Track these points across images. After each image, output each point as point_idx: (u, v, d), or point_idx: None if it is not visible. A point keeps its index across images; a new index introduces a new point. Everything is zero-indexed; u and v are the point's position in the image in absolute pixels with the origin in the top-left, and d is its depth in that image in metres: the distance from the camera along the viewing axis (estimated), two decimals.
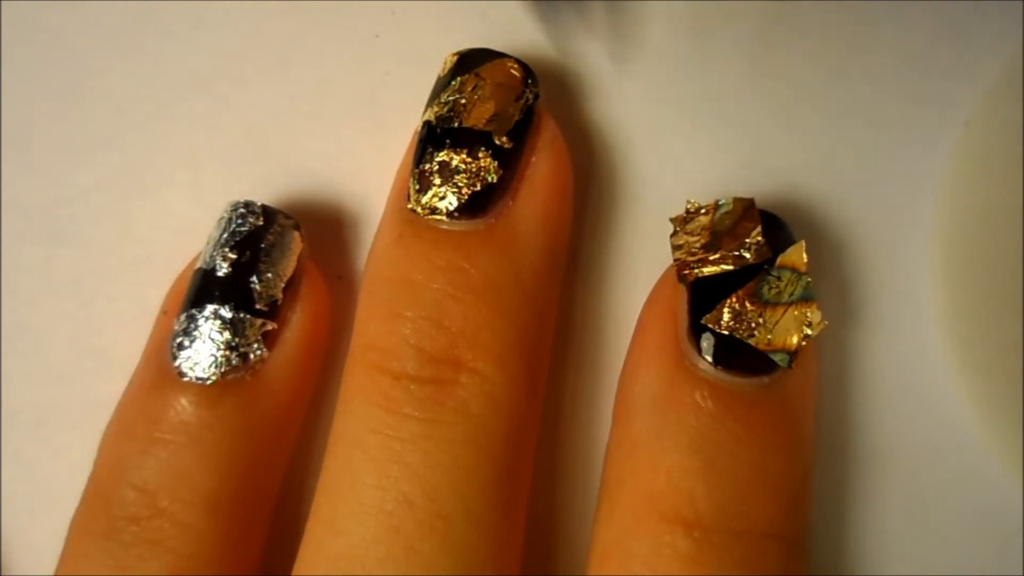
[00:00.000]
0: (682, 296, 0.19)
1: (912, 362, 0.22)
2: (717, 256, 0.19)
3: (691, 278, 0.19)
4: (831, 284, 0.22)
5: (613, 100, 0.23)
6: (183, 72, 0.23)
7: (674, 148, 0.22)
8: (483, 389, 0.19)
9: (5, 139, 0.23)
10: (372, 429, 0.19)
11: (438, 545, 0.18)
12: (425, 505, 0.18)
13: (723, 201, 0.20)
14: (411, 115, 0.22)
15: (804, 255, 0.19)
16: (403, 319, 0.19)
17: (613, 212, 0.22)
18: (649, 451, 0.19)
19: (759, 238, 0.19)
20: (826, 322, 0.19)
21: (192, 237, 0.22)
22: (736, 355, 0.19)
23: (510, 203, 0.20)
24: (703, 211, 0.20)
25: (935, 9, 0.22)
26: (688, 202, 0.20)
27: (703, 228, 0.20)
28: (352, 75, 0.23)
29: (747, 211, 0.20)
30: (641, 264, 0.22)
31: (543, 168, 0.20)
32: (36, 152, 0.23)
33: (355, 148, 0.23)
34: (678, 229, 0.20)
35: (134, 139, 0.23)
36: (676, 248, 0.20)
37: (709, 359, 0.19)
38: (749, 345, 0.19)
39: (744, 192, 0.22)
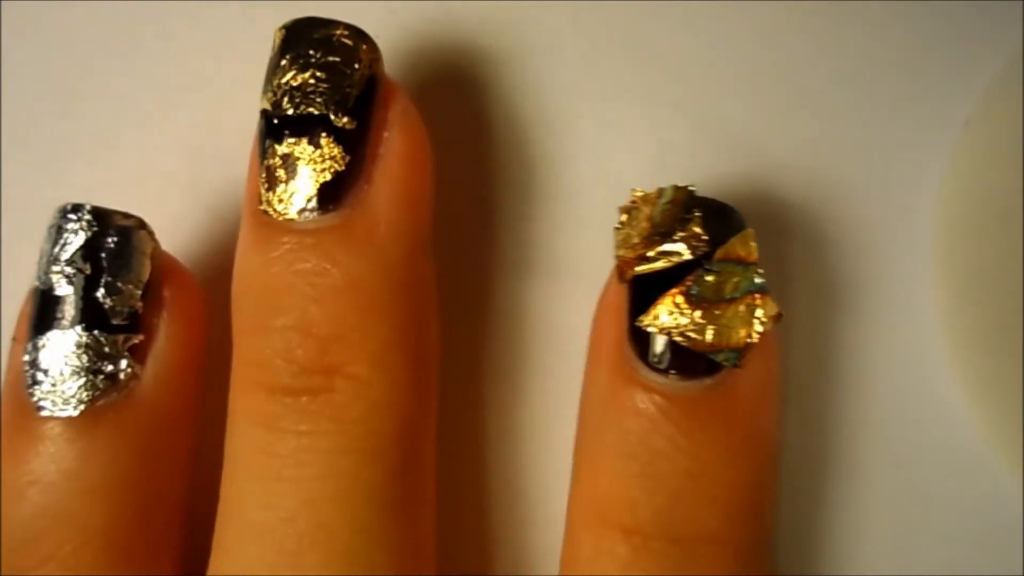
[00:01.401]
0: (624, 294, 0.19)
1: (912, 361, 0.22)
2: (654, 252, 0.18)
3: (629, 276, 0.18)
4: (830, 284, 0.22)
5: (614, 101, 0.23)
6: (183, 72, 0.23)
7: (674, 148, 0.22)
8: (360, 393, 0.18)
9: (5, 139, 0.23)
10: (253, 448, 0.18)
11: (323, 557, 0.17)
12: (307, 518, 0.17)
13: (666, 189, 0.19)
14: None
15: (752, 244, 0.18)
16: (271, 331, 0.18)
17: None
18: (592, 455, 0.19)
19: (696, 229, 0.18)
20: (781, 313, 0.18)
21: (192, 237, 0.22)
22: (675, 357, 0.18)
23: (366, 188, 0.18)
24: (646, 200, 0.19)
25: (935, 9, 0.22)
26: (632, 191, 0.19)
27: (644, 219, 0.18)
28: None
29: (687, 200, 0.18)
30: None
31: (397, 144, 0.18)
32: (36, 152, 0.23)
33: None
34: (623, 221, 0.19)
35: (134, 139, 0.23)
36: (618, 243, 0.19)
37: (647, 362, 0.18)
38: (687, 347, 0.18)
39: (744, 191, 0.22)
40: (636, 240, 0.18)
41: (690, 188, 0.18)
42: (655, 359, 0.18)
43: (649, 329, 0.18)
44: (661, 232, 0.18)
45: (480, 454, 0.22)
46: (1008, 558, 0.21)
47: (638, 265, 0.18)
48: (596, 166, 0.23)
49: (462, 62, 0.23)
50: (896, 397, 0.22)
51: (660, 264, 0.18)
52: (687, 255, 0.18)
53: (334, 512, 0.18)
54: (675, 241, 0.18)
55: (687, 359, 0.18)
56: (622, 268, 0.19)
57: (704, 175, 0.22)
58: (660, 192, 0.19)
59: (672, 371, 0.18)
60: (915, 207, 0.22)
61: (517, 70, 0.23)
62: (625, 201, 0.19)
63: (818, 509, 0.22)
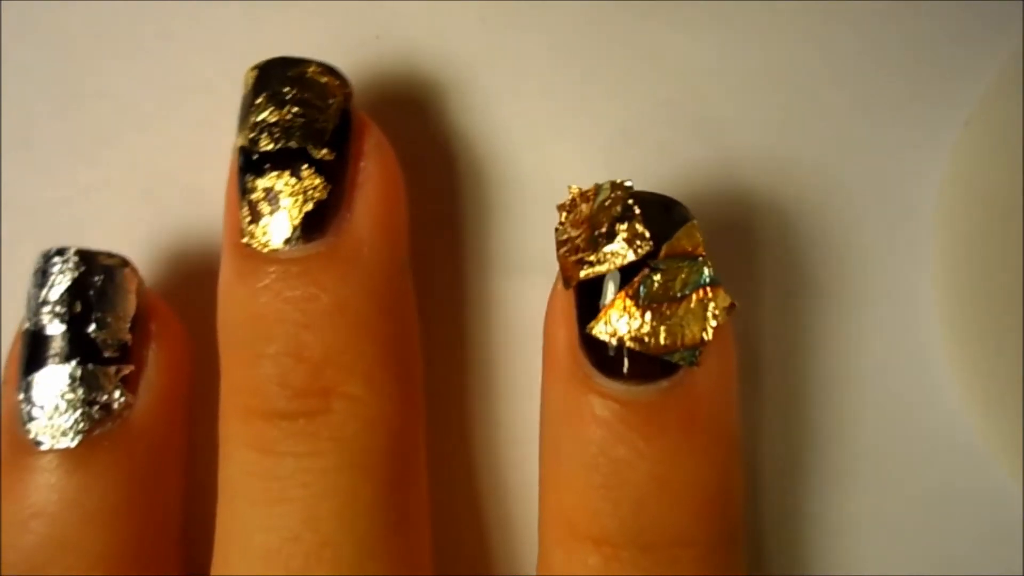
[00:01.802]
0: (572, 300, 0.18)
1: (912, 362, 0.22)
2: (597, 256, 0.17)
3: (574, 281, 0.18)
4: (831, 284, 0.22)
5: (608, 101, 0.23)
6: (183, 72, 0.23)
7: (671, 148, 0.22)
8: (354, 411, 0.18)
9: (6, 138, 0.23)
10: (251, 473, 0.18)
11: (330, 573, 0.18)
12: (311, 537, 0.18)
13: (603, 185, 0.18)
14: (411, 116, 0.22)
15: (697, 235, 0.17)
16: (263, 358, 0.18)
17: None
18: (555, 467, 0.18)
19: (638, 227, 0.17)
20: (734, 303, 0.17)
21: (193, 238, 0.22)
22: (630, 362, 0.18)
23: (347, 216, 0.19)
24: (584, 198, 0.18)
25: (935, 9, 0.22)
26: (570, 188, 0.18)
27: (584, 219, 0.18)
28: (352, 76, 0.23)
29: (626, 198, 0.18)
30: None
31: (374, 173, 0.19)
32: (37, 151, 0.23)
33: None
34: (563, 222, 0.18)
35: (135, 139, 0.23)
36: (559, 245, 0.18)
37: (602, 369, 0.18)
38: (641, 351, 0.17)
39: (743, 191, 0.22)
40: (579, 243, 0.18)
41: (627, 184, 0.18)
42: (609, 366, 0.18)
43: (600, 336, 0.17)
44: (602, 233, 0.18)
45: (464, 457, 0.22)
46: (1008, 558, 0.21)
47: (582, 270, 0.18)
48: (588, 166, 0.23)
49: (458, 61, 0.23)
50: (896, 397, 0.22)
51: (604, 268, 0.18)
52: (630, 256, 0.17)
53: (337, 528, 0.18)
54: (617, 242, 0.18)
55: (642, 363, 0.18)
56: (567, 273, 0.18)
57: (701, 175, 0.22)
58: (597, 189, 0.18)
59: (628, 377, 0.18)
60: (915, 207, 0.22)
61: (513, 69, 0.23)
62: (564, 199, 0.18)
63: (818, 510, 0.22)
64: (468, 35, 0.23)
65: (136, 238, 0.23)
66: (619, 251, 0.17)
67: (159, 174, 0.23)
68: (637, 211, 0.17)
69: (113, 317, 0.19)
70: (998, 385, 0.21)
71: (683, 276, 0.17)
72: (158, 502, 0.20)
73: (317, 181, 0.18)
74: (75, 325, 0.19)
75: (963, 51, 0.22)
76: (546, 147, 0.23)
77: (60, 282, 0.19)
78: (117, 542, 0.19)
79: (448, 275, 0.23)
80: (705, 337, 0.17)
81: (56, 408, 0.18)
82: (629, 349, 0.17)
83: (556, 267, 0.19)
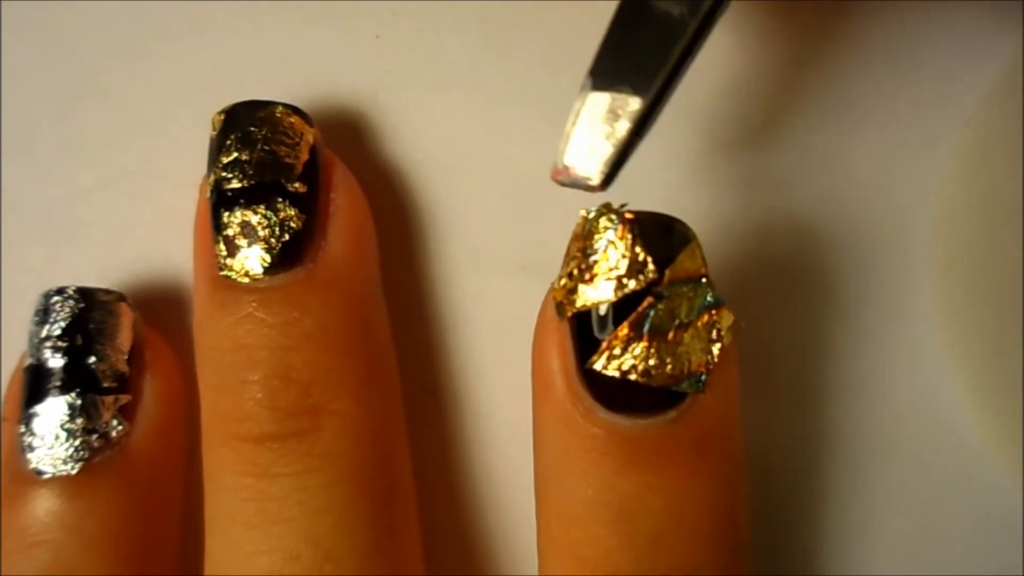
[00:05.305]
0: (566, 330, 0.17)
1: (912, 362, 0.22)
2: (592, 286, 0.16)
3: (569, 312, 0.17)
4: (831, 285, 0.22)
5: None
6: (184, 72, 0.23)
7: (669, 148, 0.22)
8: (345, 427, 0.19)
9: (7, 139, 0.23)
10: (245, 498, 0.19)
11: None
12: (312, 553, 0.18)
13: (591, 213, 0.17)
14: (411, 116, 0.22)
15: (699, 255, 0.17)
16: (250, 384, 0.19)
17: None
18: (559, 503, 0.18)
19: (639, 254, 0.16)
20: (739, 321, 0.17)
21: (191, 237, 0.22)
22: (632, 396, 0.17)
23: (322, 243, 0.19)
24: (579, 227, 0.17)
25: (935, 9, 0.22)
26: (581, 214, 0.17)
27: (577, 244, 0.17)
28: (352, 75, 0.23)
29: (620, 223, 0.16)
30: None
31: (344, 203, 0.20)
32: (38, 152, 0.23)
33: (355, 148, 0.23)
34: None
35: (136, 139, 0.23)
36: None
37: (605, 403, 0.17)
38: (647, 384, 0.16)
39: (742, 192, 0.22)
40: (573, 270, 0.17)
41: (622, 206, 0.17)
42: (614, 400, 0.17)
43: (604, 371, 0.17)
44: (598, 261, 0.17)
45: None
46: (1008, 559, 0.21)
47: (578, 300, 0.17)
48: None
49: (459, 60, 0.23)
50: (895, 398, 0.22)
51: (604, 298, 0.17)
52: (632, 286, 0.16)
53: (337, 542, 0.18)
54: (617, 271, 0.16)
55: (648, 396, 0.17)
56: (562, 303, 0.17)
57: (700, 175, 0.22)
58: (587, 213, 0.17)
59: (634, 411, 0.17)
60: (915, 207, 0.22)
61: (513, 69, 0.23)
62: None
63: (819, 511, 0.22)
64: (469, 34, 0.23)
65: (138, 238, 0.23)
66: (620, 281, 0.16)
67: (161, 174, 0.23)
68: (637, 235, 0.17)
69: (111, 349, 0.20)
70: (998, 385, 0.21)
71: (687, 302, 0.17)
72: (157, 527, 0.20)
73: (292, 212, 0.19)
74: (75, 357, 0.19)
75: (963, 51, 0.22)
76: (546, 147, 0.23)
77: (59, 319, 0.20)
78: (117, 566, 0.19)
79: (435, 275, 0.23)
80: (710, 361, 0.17)
81: (56, 438, 0.19)
82: (635, 383, 0.17)
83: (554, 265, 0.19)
